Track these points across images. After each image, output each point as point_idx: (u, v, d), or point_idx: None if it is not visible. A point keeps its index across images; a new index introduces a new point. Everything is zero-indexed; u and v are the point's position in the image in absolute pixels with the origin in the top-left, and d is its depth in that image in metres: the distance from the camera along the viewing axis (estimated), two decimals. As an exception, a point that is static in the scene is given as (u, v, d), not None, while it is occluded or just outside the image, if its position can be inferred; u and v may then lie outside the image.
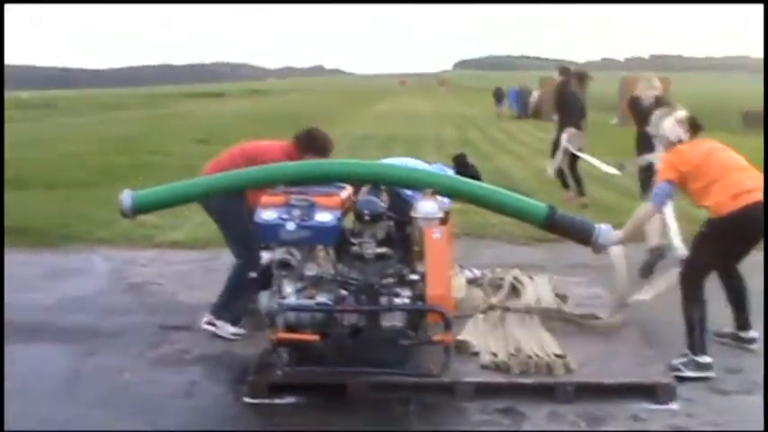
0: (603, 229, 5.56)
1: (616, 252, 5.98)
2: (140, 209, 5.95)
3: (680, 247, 6.25)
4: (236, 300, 6.09)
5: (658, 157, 6.81)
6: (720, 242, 5.69)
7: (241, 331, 6.06)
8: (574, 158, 11.63)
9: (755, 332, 5.99)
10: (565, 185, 12.08)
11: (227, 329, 6.24)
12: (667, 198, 5.85)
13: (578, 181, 12.01)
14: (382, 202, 5.50)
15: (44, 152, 19.44)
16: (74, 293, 7.48)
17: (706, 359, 5.64)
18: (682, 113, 6.04)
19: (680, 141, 5.85)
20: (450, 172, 6.67)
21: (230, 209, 6.13)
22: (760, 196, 5.61)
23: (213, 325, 6.33)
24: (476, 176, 6.71)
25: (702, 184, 5.64)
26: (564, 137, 10.93)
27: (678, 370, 5.56)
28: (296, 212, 5.15)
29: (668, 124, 5.97)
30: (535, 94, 36.84)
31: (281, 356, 5.02)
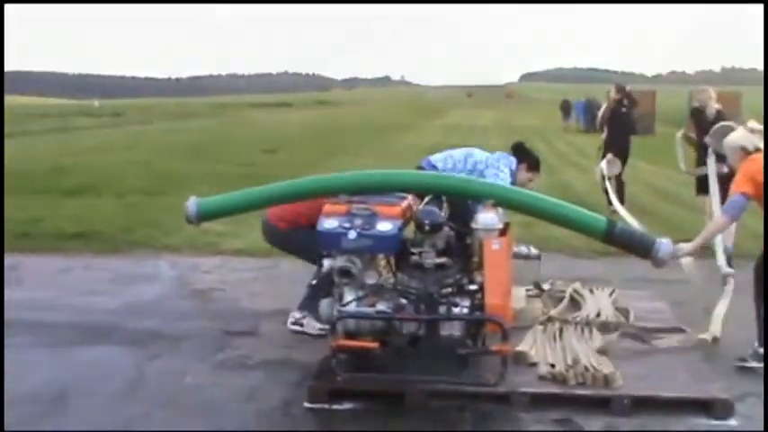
0: (664, 244, 5.52)
1: (687, 264, 5.99)
2: (205, 216, 6.08)
3: (723, 265, 6.23)
4: (319, 298, 6.11)
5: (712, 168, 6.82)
6: None
7: (326, 326, 6.00)
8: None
9: None
10: (621, 201, 12.16)
11: (314, 325, 6.34)
12: (741, 210, 5.78)
13: (621, 185, 12.08)
14: (443, 213, 5.55)
15: (113, 159, 19.79)
16: (140, 298, 7.61)
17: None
18: (753, 123, 6.01)
19: (756, 150, 5.79)
20: (513, 160, 6.77)
21: (292, 242, 6.34)
22: None
23: (300, 325, 6.44)
24: (537, 162, 6.86)
25: None
26: (603, 162, 11.00)
27: (744, 360, 5.60)
28: (357, 221, 5.22)
29: (741, 133, 5.92)
30: (603, 107, 36.35)
31: (340, 363, 5.08)
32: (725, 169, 6.87)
